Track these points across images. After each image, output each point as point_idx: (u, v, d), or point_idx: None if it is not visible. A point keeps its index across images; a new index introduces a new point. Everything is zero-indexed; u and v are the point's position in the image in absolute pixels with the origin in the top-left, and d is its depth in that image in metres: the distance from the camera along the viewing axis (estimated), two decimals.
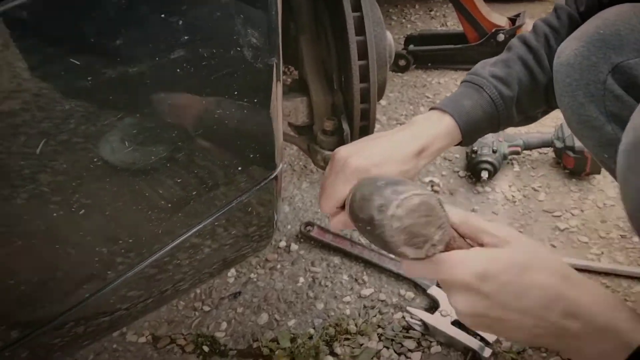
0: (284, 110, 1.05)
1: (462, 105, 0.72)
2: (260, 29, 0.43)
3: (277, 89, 0.50)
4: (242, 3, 0.41)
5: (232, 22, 0.41)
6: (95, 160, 0.39)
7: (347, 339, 1.04)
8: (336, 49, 0.96)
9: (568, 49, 0.65)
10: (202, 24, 0.38)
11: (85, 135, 0.38)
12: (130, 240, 0.45)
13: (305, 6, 0.95)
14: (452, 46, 2.04)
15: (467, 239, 0.53)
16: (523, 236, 0.52)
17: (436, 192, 1.43)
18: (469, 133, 0.73)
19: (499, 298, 0.47)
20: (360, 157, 0.67)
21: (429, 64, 2.11)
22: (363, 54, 0.89)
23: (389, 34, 1.04)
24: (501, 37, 1.91)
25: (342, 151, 0.69)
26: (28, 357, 0.51)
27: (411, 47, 2.12)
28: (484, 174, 1.38)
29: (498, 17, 1.96)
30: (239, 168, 0.50)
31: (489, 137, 1.43)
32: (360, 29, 0.89)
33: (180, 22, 0.36)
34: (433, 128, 0.72)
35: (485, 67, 0.76)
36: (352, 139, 0.97)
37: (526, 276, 0.47)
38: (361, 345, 1.02)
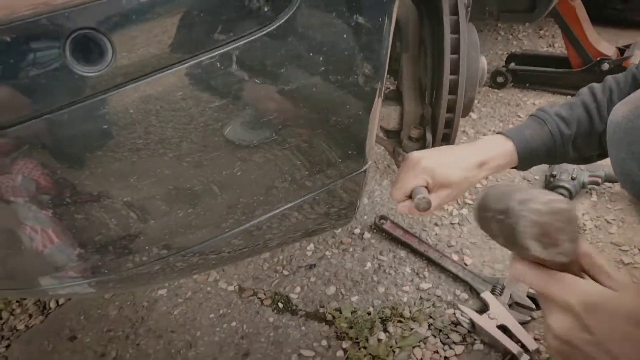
0: (379, 115, 1.20)
1: (523, 134, 0.85)
2: (373, 63, 0.59)
3: (377, 103, 0.65)
4: (364, 48, 0.57)
5: (354, 59, 0.57)
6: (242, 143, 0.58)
7: (400, 322, 1.18)
8: (432, 67, 1.09)
9: (619, 109, 0.74)
10: (335, 60, 0.55)
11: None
12: (257, 198, 0.64)
13: (412, 28, 1.09)
14: (553, 69, 2.05)
15: (585, 271, 0.53)
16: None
17: None
18: (526, 159, 0.86)
19: (599, 336, 0.47)
20: (430, 159, 0.83)
21: (527, 84, 2.14)
22: (455, 70, 1.01)
23: (483, 58, 1.15)
24: (606, 66, 1.89)
25: (416, 153, 0.86)
26: (159, 272, 0.71)
27: (512, 65, 2.16)
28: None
29: (606, 46, 1.94)
30: (339, 160, 0.67)
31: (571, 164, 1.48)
32: (456, 49, 1.01)
33: (321, 59, 0.54)
34: (495, 148, 0.86)
35: (553, 106, 0.87)
36: (434, 145, 1.11)
37: (634, 328, 0.46)
38: (411, 329, 1.16)
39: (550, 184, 1.47)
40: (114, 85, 0.44)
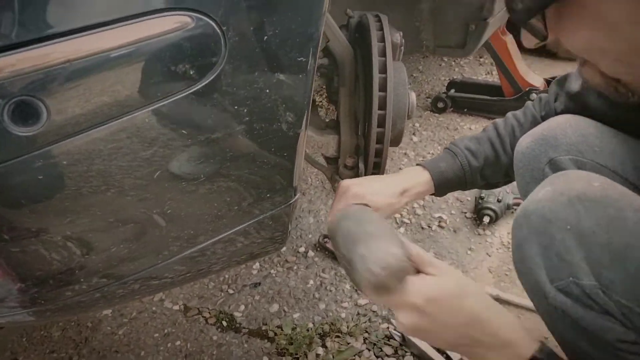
0: (319, 143, 1.28)
1: (439, 165, 0.98)
2: (295, 112, 0.67)
3: (301, 146, 0.73)
4: (286, 100, 0.64)
5: (277, 110, 0.65)
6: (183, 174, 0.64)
7: (338, 337, 1.26)
8: (364, 102, 1.18)
9: (523, 141, 0.86)
10: (259, 112, 0.63)
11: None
12: (190, 231, 0.70)
13: (348, 66, 1.18)
14: (488, 97, 2.21)
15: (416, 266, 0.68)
16: (457, 271, 0.70)
17: (442, 227, 1.62)
18: (441, 187, 0.98)
19: (438, 317, 0.62)
20: (359, 187, 0.92)
21: (465, 110, 2.29)
22: (382, 106, 1.11)
23: (412, 94, 1.25)
24: (534, 96, 2.06)
25: (347, 181, 0.96)
26: (99, 299, 0.75)
27: (452, 92, 2.31)
28: (486, 219, 1.56)
29: (535, 77, 2.11)
30: (268, 195, 0.74)
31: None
32: (383, 87, 1.11)
33: (246, 111, 0.61)
34: (415, 178, 0.98)
35: (464, 140, 0.99)
36: (366, 173, 1.20)
37: (458, 301, 0.63)
38: (348, 343, 1.24)
39: (478, 205, 1.60)
40: (51, 141, 0.49)
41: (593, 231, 0.60)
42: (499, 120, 1.00)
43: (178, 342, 1.28)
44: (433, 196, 1.03)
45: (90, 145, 0.53)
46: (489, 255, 1.50)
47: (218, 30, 0.55)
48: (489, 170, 0.98)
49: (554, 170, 0.79)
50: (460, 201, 1.74)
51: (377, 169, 1.22)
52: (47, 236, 0.59)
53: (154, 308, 1.38)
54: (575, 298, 0.62)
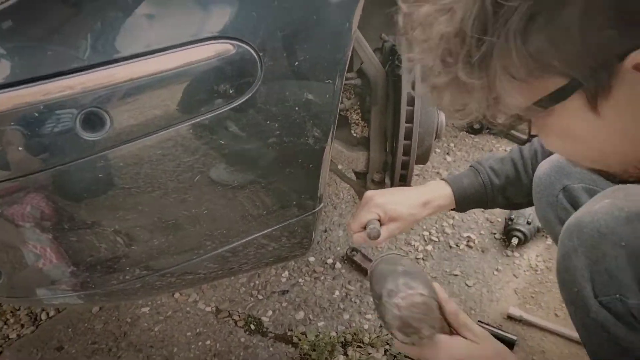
0: (349, 158, 1.35)
1: (461, 181, 1.02)
2: (321, 129, 0.74)
3: (326, 159, 0.80)
4: (314, 117, 0.72)
5: (305, 126, 0.72)
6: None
7: (359, 347, 1.30)
8: (393, 119, 1.24)
9: (541, 167, 0.89)
10: (289, 127, 0.70)
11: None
12: (223, 231, 0.77)
13: (380, 87, 1.24)
14: None
15: (451, 327, 0.70)
16: (493, 339, 0.69)
17: (470, 247, 1.64)
18: (462, 202, 1.02)
19: None
20: (382, 196, 0.97)
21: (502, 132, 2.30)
22: (410, 119, 1.16)
23: (442, 114, 1.30)
24: None
25: (370, 192, 1.01)
26: (139, 289, 0.83)
27: None
28: (514, 241, 1.57)
29: None
30: (294, 202, 0.81)
31: (529, 209, 1.62)
32: (411, 102, 1.16)
33: (277, 125, 0.68)
34: (437, 191, 1.02)
35: (489, 160, 1.03)
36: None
37: None
38: (369, 354, 1.28)
39: (508, 226, 1.61)
40: (110, 146, 0.59)
41: None
42: (525, 146, 1.03)
43: (208, 342, 1.36)
44: (462, 215, 1.07)
45: (142, 151, 0.62)
46: (516, 277, 1.51)
47: (255, 56, 0.63)
48: (510, 190, 1.01)
49: (568, 198, 0.82)
50: (490, 222, 1.75)
51: (404, 181, 1.27)
52: (99, 228, 0.69)
53: (188, 308, 1.47)
54: (619, 316, 0.62)
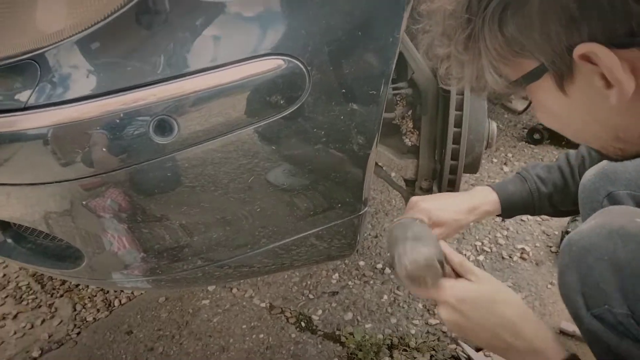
0: (399, 166, 1.39)
1: (507, 188, 1.03)
2: (365, 136, 0.80)
3: (370, 165, 0.85)
4: (358, 125, 0.77)
5: (350, 133, 0.78)
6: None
7: (405, 350, 1.33)
8: (442, 126, 1.27)
9: (588, 174, 0.89)
10: (334, 134, 0.76)
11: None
12: (274, 228, 0.85)
13: (431, 96, 1.28)
14: None
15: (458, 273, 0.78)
16: (493, 278, 0.76)
17: (524, 259, 1.61)
18: (507, 209, 1.03)
19: (470, 316, 0.71)
20: (427, 202, 1.00)
21: (564, 142, 2.23)
22: (458, 124, 1.18)
23: (493, 123, 1.31)
24: None
25: (416, 197, 1.03)
26: (200, 277, 0.92)
27: None
28: None
29: None
30: (339, 205, 0.87)
31: None
32: (460, 107, 1.18)
33: (323, 133, 0.75)
34: (483, 197, 1.03)
35: (535, 167, 1.04)
36: None
37: (491, 305, 0.71)
38: (414, 358, 1.30)
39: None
40: (178, 149, 0.68)
41: (628, 263, 0.63)
42: (572, 151, 1.03)
43: (262, 335, 1.44)
44: (516, 226, 1.07)
45: (205, 153, 0.70)
46: None
47: (304, 70, 0.70)
48: (557, 197, 1.01)
49: (612, 204, 0.82)
50: (547, 234, 1.71)
51: (452, 186, 1.29)
52: (166, 220, 0.78)
53: (244, 303, 1.57)
54: (610, 325, 0.64)
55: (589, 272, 0.67)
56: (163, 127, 0.65)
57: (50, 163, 0.68)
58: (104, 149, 0.65)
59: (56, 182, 0.70)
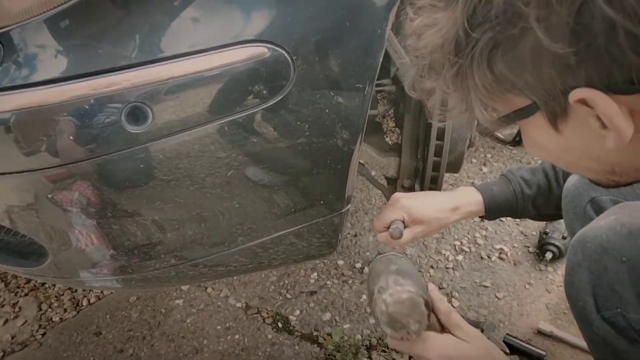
0: (381, 164, 1.36)
1: (491, 189, 1.02)
2: (350, 131, 0.77)
3: (354, 161, 0.82)
4: (343, 119, 0.74)
5: (334, 127, 0.75)
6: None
7: (384, 351, 1.31)
8: (424, 128, 1.25)
9: (571, 179, 0.89)
10: (318, 128, 0.73)
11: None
12: (253, 225, 0.81)
13: None
14: None
15: (444, 326, 0.72)
16: (484, 338, 0.71)
17: (502, 259, 1.62)
18: (491, 210, 1.01)
19: None
20: (408, 199, 0.98)
21: None
22: (440, 136, 1.17)
23: (475, 122, 1.30)
24: None
25: (399, 194, 1.02)
26: (173, 277, 0.88)
27: None
28: (548, 255, 1.53)
29: None
30: (322, 202, 0.84)
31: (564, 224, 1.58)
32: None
33: (307, 127, 0.71)
34: (467, 197, 1.02)
35: (520, 170, 1.03)
36: None
37: None
38: (393, 359, 1.28)
39: (542, 240, 1.58)
40: (152, 139, 0.63)
41: None
42: None
43: (237, 336, 1.40)
44: (495, 227, 1.06)
45: (181, 145, 0.66)
46: (548, 292, 1.48)
47: (289, 59, 0.67)
48: (541, 200, 1.00)
49: (595, 209, 0.81)
50: (525, 235, 1.72)
51: (434, 188, 1.28)
52: (138, 216, 0.74)
53: (219, 303, 1.52)
54: (620, 330, 0.63)
55: (603, 272, 0.63)
56: (136, 115, 0.61)
57: (12, 151, 0.63)
58: (72, 137, 0.60)
59: (18, 172, 0.64)
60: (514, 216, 1.04)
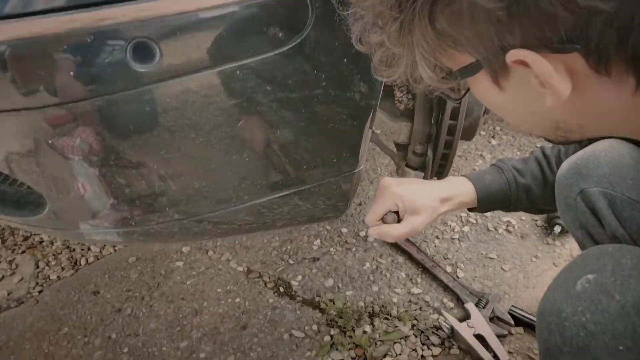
0: (392, 129, 1.32)
1: (484, 178, 0.95)
2: (369, 84, 0.72)
3: (372, 117, 0.77)
4: (362, 71, 0.69)
5: (352, 79, 0.70)
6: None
7: (387, 319, 1.29)
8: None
9: (562, 167, 0.83)
10: (335, 78, 0.68)
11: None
12: (262, 182, 0.77)
13: None
14: None
15: None
16: None
17: (509, 231, 1.59)
18: (484, 201, 0.95)
19: None
20: (398, 186, 0.91)
21: None
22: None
23: None
24: None
25: (387, 180, 0.93)
26: (176, 232, 0.84)
27: None
28: (557, 229, 1.50)
29: None
30: (335, 159, 0.80)
31: None
32: None
33: (323, 76, 0.67)
34: (458, 188, 0.95)
35: (511, 160, 0.98)
36: (434, 162, 1.21)
37: None
38: (396, 327, 1.27)
39: (551, 213, 1.55)
40: (158, 79, 0.58)
41: None
42: (546, 145, 0.96)
43: (237, 299, 1.38)
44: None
45: (189, 89, 0.61)
46: (556, 266, 1.45)
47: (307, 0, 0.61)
48: (536, 191, 0.94)
49: (585, 202, 0.76)
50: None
51: (445, 159, 1.24)
52: (141, 166, 0.69)
53: (220, 266, 1.50)
54: None
55: None
56: (142, 52, 0.56)
57: (8, 87, 0.58)
58: (72, 74, 0.56)
59: (15, 110, 0.60)
60: (507, 208, 0.97)
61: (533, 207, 0.98)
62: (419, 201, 0.89)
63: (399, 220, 0.91)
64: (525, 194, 0.95)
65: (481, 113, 1.21)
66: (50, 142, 0.67)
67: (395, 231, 0.89)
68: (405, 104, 1.33)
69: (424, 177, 1.29)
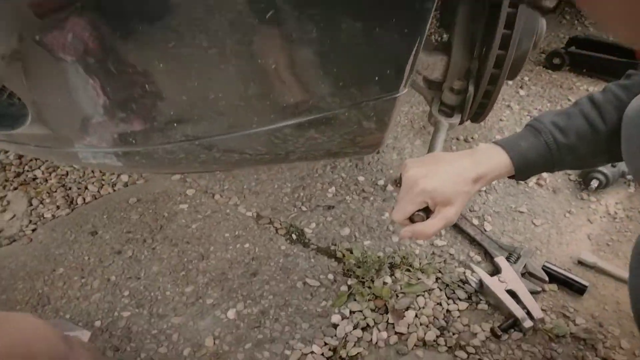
0: (425, 63, 1.17)
1: (519, 145, 0.80)
2: None
3: (422, 35, 0.63)
4: None
5: None
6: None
7: (408, 270, 1.19)
8: (487, 21, 1.05)
9: (633, 104, 0.69)
10: None
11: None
12: (289, 98, 0.64)
13: None
14: (614, 57, 1.95)
15: None
16: None
17: (540, 185, 1.47)
18: (522, 170, 0.81)
19: None
20: (427, 179, 0.78)
21: (584, 70, 2.05)
22: (509, 25, 0.97)
23: (543, 20, 1.10)
24: None
25: (412, 171, 0.80)
26: (183, 159, 0.71)
27: (572, 48, 2.06)
28: (594, 183, 1.39)
29: None
30: (376, 77, 0.66)
31: None
32: (515, 4, 0.97)
33: None
34: (491, 161, 0.81)
35: (549, 115, 0.82)
36: (474, 100, 1.08)
37: None
38: (419, 279, 1.17)
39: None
40: None
41: None
42: (595, 92, 0.81)
43: (247, 245, 1.28)
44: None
45: None
46: (590, 222, 1.35)
47: None
48: (584, 148, 0.79)
49: None
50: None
51: (488, 98, 1.10)
52: (143, 73, 0.56)
53: (227, 210, 1.39)
54: None
55: None
56: None
57: None
58: None
59: None
60: (551, 171, 0.84)
61: (581, 164, 0.85)
62: (449, 191, 0.78)
63: (429, 214, 0.81)
64: (571, 155, 0.81)
65: (530, 46, 1.06)
66: (37, 38, 0.54)
67: (430, 229, 0.79)
68: (440, 37, 1.18)
69: (462, 118, 1.16)
